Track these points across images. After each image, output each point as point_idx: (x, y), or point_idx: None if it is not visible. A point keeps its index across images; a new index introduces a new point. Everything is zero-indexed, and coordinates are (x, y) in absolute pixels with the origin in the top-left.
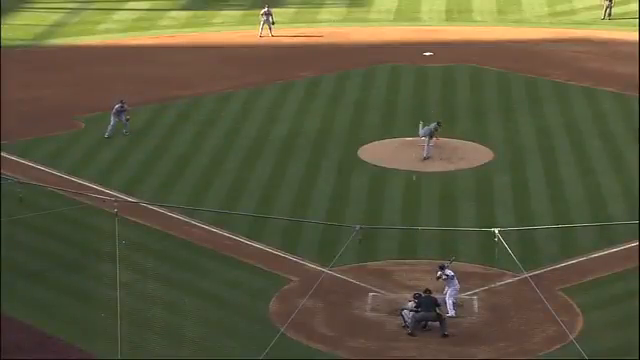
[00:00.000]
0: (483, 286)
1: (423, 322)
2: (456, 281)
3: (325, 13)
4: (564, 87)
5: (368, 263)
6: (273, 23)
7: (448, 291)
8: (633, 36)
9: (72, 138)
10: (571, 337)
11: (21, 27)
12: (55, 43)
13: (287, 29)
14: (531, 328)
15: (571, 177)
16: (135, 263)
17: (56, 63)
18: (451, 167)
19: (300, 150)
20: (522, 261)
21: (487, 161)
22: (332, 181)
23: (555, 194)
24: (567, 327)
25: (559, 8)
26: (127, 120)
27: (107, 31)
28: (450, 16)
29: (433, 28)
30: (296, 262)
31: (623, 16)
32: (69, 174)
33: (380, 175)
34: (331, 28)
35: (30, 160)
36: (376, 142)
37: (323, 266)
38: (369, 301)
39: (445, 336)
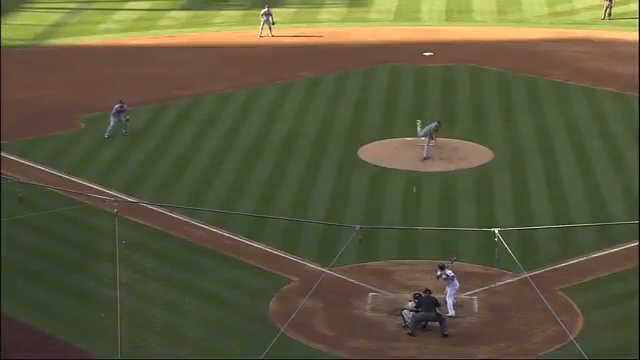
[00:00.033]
0: (483, 286)
1: (423, 322)
2: (456, 281)
3: (325, 13)
4: (564, 87)
5: (368, 263)
6: (273, 23)
7: (448, 291)
8: (633, 36)
9: (72, 138)
10: (571, 337)
11: (21, 27)
12: (55, 43)
13: (287, 29)
14: (531, 328)
15: (571, 177)
16: (135, 263)
17: (56, 63)
18: (451, 167)
19: (300, 150)
20: (522, 261)
21: (487, 161)
22: (332, 181)
23: (555, 194)
24: (567, 327)
25: (559, 8)
26: (127, 120)
27: (107, 31)
28: (450, 16)
29: (433, 28)
30: (296, 262)
31: (623, 16)
32: (69, 174)
33: (380, 175)
34: (331, 28)
35: (30, 160)
36: (376, 142)
37: (323, 266)
38: (369, 301)
39: (445, 336)
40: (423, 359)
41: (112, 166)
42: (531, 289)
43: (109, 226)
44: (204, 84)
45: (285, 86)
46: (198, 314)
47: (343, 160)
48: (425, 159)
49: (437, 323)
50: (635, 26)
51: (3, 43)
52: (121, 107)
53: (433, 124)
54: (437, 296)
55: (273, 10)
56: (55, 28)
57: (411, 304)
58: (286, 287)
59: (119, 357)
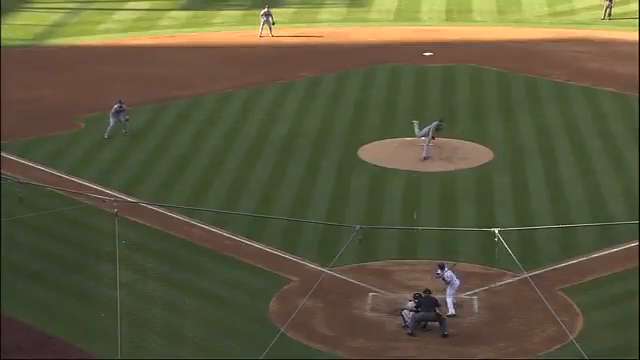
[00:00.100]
0: (483, 286)
1: (423, 322)
2: (456, 281)
3: (325, 13)
4: (564, 87)
5: (368, 263)
6: (273, 23)
7: (448, 290)
8: (633, 36)
9: (72, 138)
10: (571, 337)
11: (21, 27)
12: (55, 43)
13: (287, 29)
14: (531, 328)
15: (571, 177)
16: (135, 263)
17: (56, 63)
18: (451, 167)
19: (300, 150)
20: (522, 261)
21: (487, 161)
22: (332, 181)
23: (555, 194)
24: (567, 327)
25: (559, 8)
26: (126, 120)
27: (107, 31)
28: (450, 16)
29: (433, 28)
30: (296, 262)
31: (623, 16)
32: (69, 174)
33: (380, 175)
34: (331, 28)
35: (30, 160)
36: (376, 142)
37: (323, 266)
38: (369, 301)
39: (445, 336)
40: (423, 359)
41: (112, 166)
42: (531, 289)
43: (109, 226)
44: (204, 84)
45: (285, 86)
46: (198, 314)
47: (343, 160)
48: (425, 159)
49: (437, 323)
50: (635, 26)
51: (3, 43)
52: (120, 107)
53: (434, 123)
54: (437, 296)
55: (273, 10)
56: (55, 28)
57: (411, 304)
58: (286, 287)
59: (119, 357)
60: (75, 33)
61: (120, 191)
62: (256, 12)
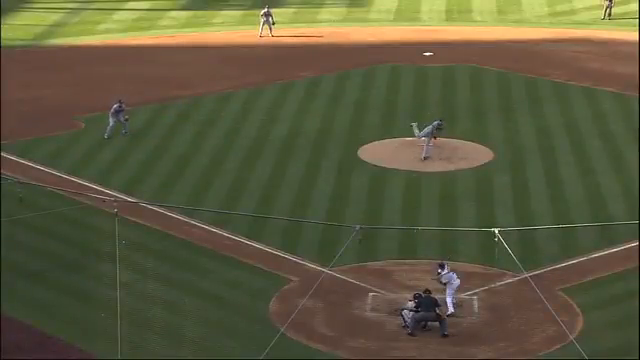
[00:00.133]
0: (483, 286)
1: (423, 322)
2: (455, 280)
3: (325, 13)
4: (564, 87)
5: (368, 263)
6: (273, 23)
7: (448, 290)
8: (633, 36)
9: (72, 138)
10: (571, 337)
11: (21, 27)
12: (55, 43)
13: (287, 29)
14: (531, 328)
15: (571, 177)
16: (135, 263)
17: (56, 63)
18: (451, 167)
19: (300, 150)
20: (522, 261)
21: (487, 161)
22: (332, 181)
23: (555, 194)
24: (567, 327)
25: (559, 8)
26: (126, 120)
27: (107, 31)
28: (450, 16)
29: (433, 28)
30: (296, 262)
31: (623, 16)
32: (69, 174)
33: (380, 175)
34: (331, 28)
35: (30, 160)
36: (376, 142)
37: (323, 266)
38: (369, 301)
39: (445, 336)
40: (423, 359)
41: (112, 166)
42: (531, 289)
43: (109, 226)
44: (204, 84)
45: (285, 86)
46: (198, 314)
47: (343, 160)
48: (425, 159)
49: (437, 323)
50: (635, 26)
51: (3, 43)
52: (120, 107)
53: (435, 122)
54: (437, 296)
55: (273, 10)
56: (55, 28)
57: (411, 304)
58: (286, 287)
59: (119, 357)
60: (75, 33)
61: (120, 191)
62: (256, 12)
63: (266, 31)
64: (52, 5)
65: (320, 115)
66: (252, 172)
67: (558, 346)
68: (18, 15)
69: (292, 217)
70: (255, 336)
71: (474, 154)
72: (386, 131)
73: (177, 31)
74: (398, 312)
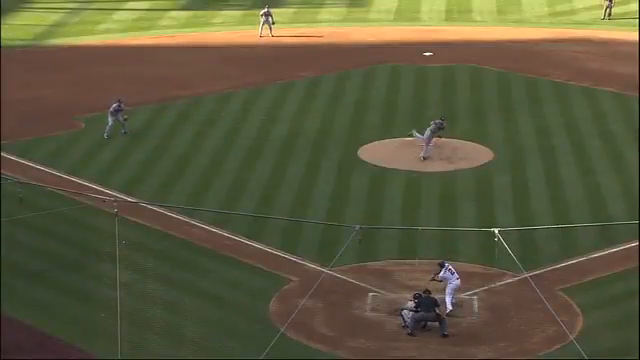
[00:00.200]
0: (483, 286)
1: (423, 322)
2: (454, 280)
3: (325, 13)
4: (564, 87)
5: (368, 263)
6: (273, 23)
7: (447, 289)
8: (633, 36)
9: (72, 138)
10: (571, 337)
11: (21, 27)
12: (55, 43)
13: (287, 29)
14: (531, 328)
15: (571, 177)
16: (135, 263)
17: (56, 63)
18: (451, 167)
19: (300, 150)
20: (522, 261)
21: (487, 161)
22: (332, 181)
23: (555, 194)
24: (567, 327)
25: (559, 8)
26: (125, 120)
27: (107, 31)
28: (450, 16)
29: (433, 28)
30: (296, 262)
31: (623, 16)
32: (69, 174)
33: (380, 175)
34: (331, 28)
35: (30, 160)
36: (376, 142)
37: (323, 266)
38: (369, 301)
39: (445, 336)
40: (423, 359)
41: (112, 166)
42: (531, 289)
43: (109, 226)
44: (204, 84)
45: (285, 86)
46: (198, 314)
47: (343, 160)
48: (424, 159)
49: (437, 323)
50: (635, 26)
51: (3, 43)
52: (119, 106)
53: (437, 121)
54: (437, 296)
55: (273, 10)
56: (55, 28)
57: (411, 304)
58: (286, 287)
59: (119, 357)
60: (75, 33)
61: (120, 191)
62: (256, 12)
63: (266, 31)
64: (52, 5)
65: (320, 115)
66: (252, 172)
67: (558, 346)
68: (18, 15)
69: (292, 217)
70: (255, 336)
71: (474, 154)
72: (386, 131)
73: (177, 31)
74: (398, 312)
